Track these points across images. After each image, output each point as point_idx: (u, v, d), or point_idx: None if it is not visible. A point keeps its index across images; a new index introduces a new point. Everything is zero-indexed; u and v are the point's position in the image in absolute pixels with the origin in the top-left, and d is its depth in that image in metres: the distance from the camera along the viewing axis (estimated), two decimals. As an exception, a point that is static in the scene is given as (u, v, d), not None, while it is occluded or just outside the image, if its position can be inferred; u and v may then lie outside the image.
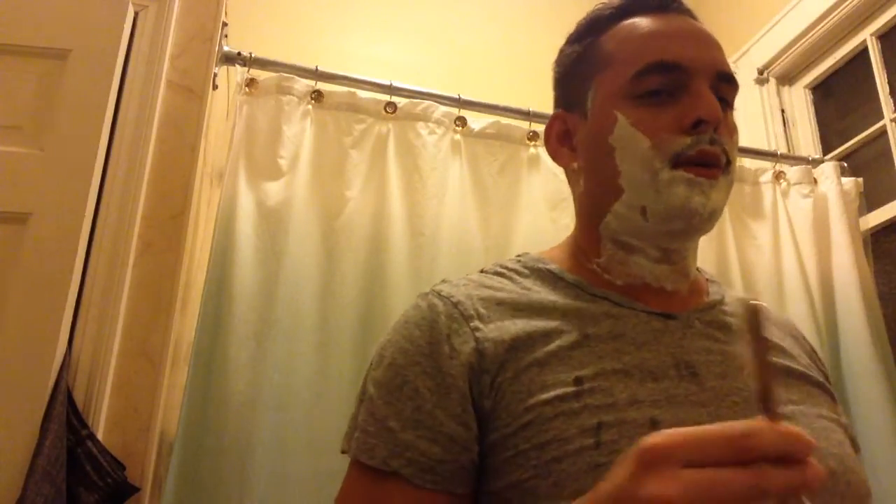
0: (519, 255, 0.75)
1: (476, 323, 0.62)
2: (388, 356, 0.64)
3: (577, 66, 0.73)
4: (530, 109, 1.73)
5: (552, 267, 0.70)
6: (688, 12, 0.71)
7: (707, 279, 0.76)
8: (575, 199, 0.76)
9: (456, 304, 0.64)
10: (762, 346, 0.42)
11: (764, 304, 0.44)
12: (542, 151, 1.71)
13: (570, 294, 0.66)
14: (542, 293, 0.67)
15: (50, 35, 1.31)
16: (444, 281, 0.70)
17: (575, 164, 0.72)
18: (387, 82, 1.62)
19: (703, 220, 0.65)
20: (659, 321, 0.65)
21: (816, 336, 1.60)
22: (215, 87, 1.48)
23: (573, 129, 0.73)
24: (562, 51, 0.77)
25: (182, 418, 1.24)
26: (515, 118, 1.73)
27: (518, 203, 1.63)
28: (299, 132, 1.52)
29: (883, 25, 1.69)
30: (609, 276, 0.69)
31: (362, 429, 0.62)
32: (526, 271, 0.70)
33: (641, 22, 0.69)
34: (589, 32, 0.73)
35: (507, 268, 0.71)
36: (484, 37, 2.11)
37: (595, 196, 0.71)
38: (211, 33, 1.46)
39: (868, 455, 1.42)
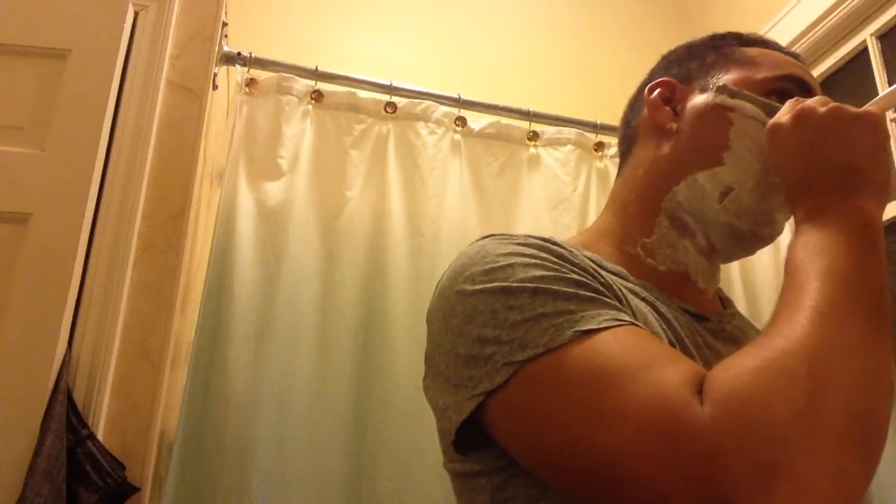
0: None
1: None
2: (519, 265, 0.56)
3: (709, 54, 0.74)
4: (530, 109, 1.73)
5: (589, 254, 0.66)
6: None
7: (719, 291, 0.77)
8: (639, 168, 0.73)
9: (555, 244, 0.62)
10: None
11: None
12: (543, 151, 1.72)
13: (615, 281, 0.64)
14: None
15: (50, 35, 1.31)
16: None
17: (673, 125, 0.71)
18: (387, 82, 1.62)
19: (762, 243, 0.69)
20: (695, 321, 0.66)
21: (816, 336, 1.59)
22: (215, 87, 1.48)
23: (680, 97, 0.73)
24: (692, 42, 0.79)
25: (182, 418, 1.24)
26: (515, 118, 1.73)
27: (518, 203, 1.63)
28: (299, 132, 1.52)
29: (883, 25, 1.69)
30: (652, 261, 0.69)
31: (559, 310, 0.52)
32: None
33: (783, 54, 0.74)
34: (731, 39, 0.75)
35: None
36: (484, 37, 2.11)
37: (680, 160, 0.69)
38: (211, 33, 1.46)
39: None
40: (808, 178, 0.58)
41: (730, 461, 0.41)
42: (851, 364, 0.45)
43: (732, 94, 0.68)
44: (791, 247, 0.55)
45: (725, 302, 0.76)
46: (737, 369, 0.45)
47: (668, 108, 0.73)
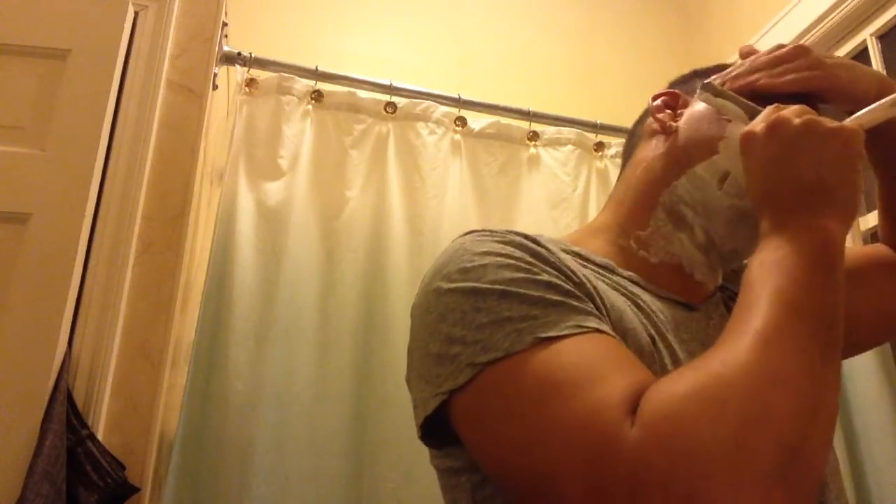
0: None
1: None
2: (490, 267, 0.56)
3: (714, 74, 0.76)
4: (530, 109, 1.73)
5: (576, 248, 0.68)
6: None
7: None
8: (638, 167, 0.75)
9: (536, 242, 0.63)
10: None
11: None
12: (542, 151, 1.72)
13: (598, 276, 0.65)
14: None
15: (50, 35, 1.31)
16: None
17: (672, 124, 0.73)
18: (387, 82, 1.62)
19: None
20: (683, 311, 0.67)
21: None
22: (215, 87, 1.48)
23: (682, 104, 0.75)
24: (698, 68, 0.81)
25: (182, 418, 1.24)
26: (515, 118, 1.73)
27: (518, 203, 1.63)
28: (299, 132, 1.52)
29: (883, 25, 1.69)
30: (644, 252, 0.70)
31: (524, 315, 0.53)
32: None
33: None
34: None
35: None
36: (484, 37, 2.11)
37: (678, 156, 0.71)
38: (211, 33, 1.46)
39: (868, 455, 1.42)
40: (775, 192, 0.58)
41: (651, 490, 0.41)
42: (788, 397, 0.44)
43: (716, 93, 0.70)
44: (750, 261, 0.55)
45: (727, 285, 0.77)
46: (670, 392, 0.45)
47: (669, 111, 0.75)
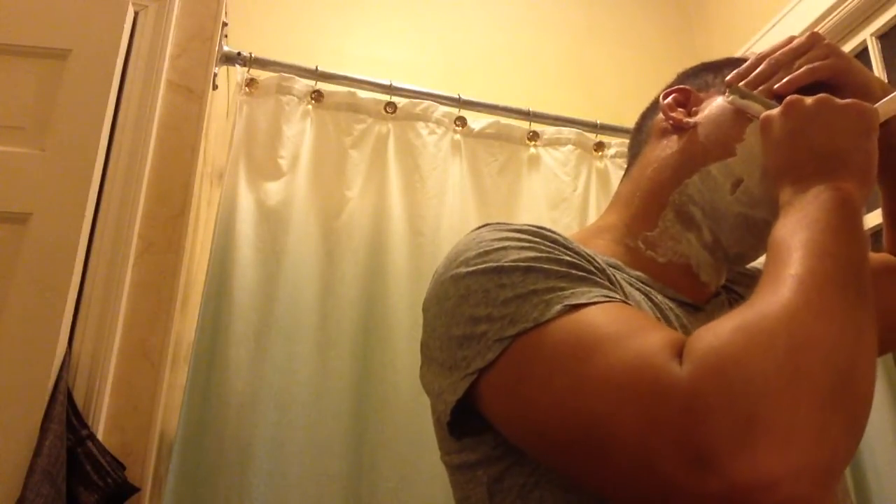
0: None
1: None
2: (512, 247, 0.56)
3: (726, 68, 0.76)
4: (530, 109, 1.73)
5: (583, 249, 0.68)
6: None
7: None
8: (647, 167, 0.74)
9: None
10: None
11: None
12: (543, 151, 1.72)
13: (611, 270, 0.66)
14: None
15: (50, 35, 1.31)
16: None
17: (689, 120, 0.73)
18: (387, 82, 1.62)
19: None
20: (689, 312, 0.67)
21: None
22: (215, 87, 1.48)
23: (695, 101, 0.75)
24: (707, 61, 0.81)
25: (182, 418, 1.24)
26: (515, 118, 1.73)
27: (518, 203, 1.63)
28: (299, 132, 1.52)
29: (883, 25, 1.69)
30: (652, 253, 0.70)
31: (550, 287, 0.52)
32: None
33: None
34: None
35: None
36: (484, 37, 2.11)
37: (694, 153, 0.71)
38: (211, 33, 1.46)
39: (868, 455, 1.42)
40: (793, 163, 0.59)
41: (709, 417, 0.41)
42: (831, 327, 0.45)
43: (743, 95, 0.70)
44: (774, 228, 0.55)
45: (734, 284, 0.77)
46: (716, 330, 0.45)
47: (682, 109, 0.74)
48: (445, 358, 0.56)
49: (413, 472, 1.28)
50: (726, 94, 0.71)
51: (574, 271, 0.54)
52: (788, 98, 0.62)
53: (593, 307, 0.50)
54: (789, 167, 0.60)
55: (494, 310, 0.52)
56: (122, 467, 1.12)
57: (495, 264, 0.54)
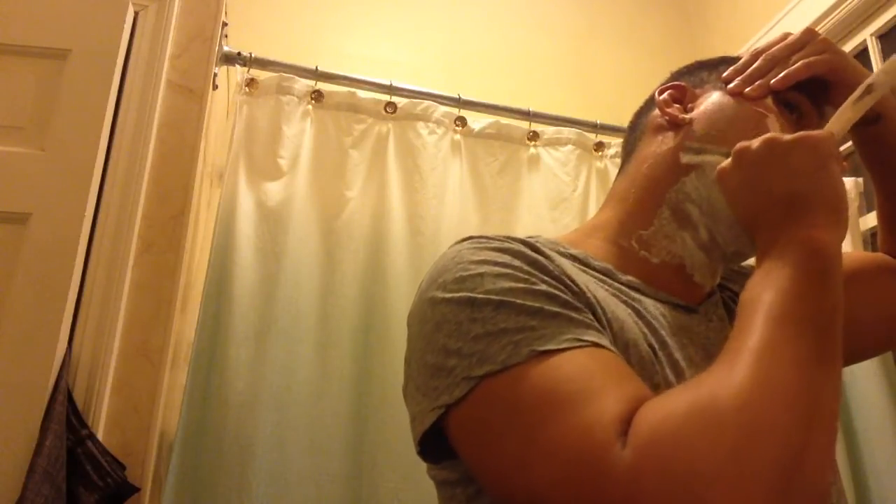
0: (531, 237, 0.73)
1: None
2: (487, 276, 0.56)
3: (721, 66, 0.76)
4: (530, 109, 1.73)
5: (575, 252, 0.67)
6: None
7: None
8: (643, 164, 0.74)
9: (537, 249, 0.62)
10: None
11: None
12: (542, 151, 1.72)
13: (598, 282, 0.65)
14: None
15: (50, 35, 1.31)
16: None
17: (685, 116, 0.72)
18: (387, 82, 1.62)
19: None
20: (683, 314, 0.66)
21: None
22: (215, 87, 1.48)
23: (691, 98, 0.74)
24: (701, 60, 0.81)
25: (182, 418, 1.24)
26: (515, 118, 1.73)
27: (518, 203, 1.63)
28: (299, 132, 1.52)
29: (883, 25, 1.69)
30: (646, 253, 0.69)
31: (520, 326, 0.53)
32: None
33: None
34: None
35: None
36: (484, 37, 2.11)
37: (692, 148, 0.70)
38: (211, 33, 1.46)
39: (868, 455, 1.42)
40: (757, 213, 0.58)
41: None
42: (785, 413, 0.43)
43: (697, 152, 0.70)
44: (746, 285, 0.54)
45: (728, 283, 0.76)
46: (663, 412, 0.44)
47: (678, 105, 0.74)
48: (420, 383, 0.57)
49: (413, 472, 1.28)
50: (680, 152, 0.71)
51: (548, 306, 0.53)
52: (736, 147, 0.61)
53: (561, 355, 0.50)
54: (754, 215, 0.59)
55: (465, 345, 0.52)
56: (122, 467, 1.12)
57: (469, 294, 0.54)
